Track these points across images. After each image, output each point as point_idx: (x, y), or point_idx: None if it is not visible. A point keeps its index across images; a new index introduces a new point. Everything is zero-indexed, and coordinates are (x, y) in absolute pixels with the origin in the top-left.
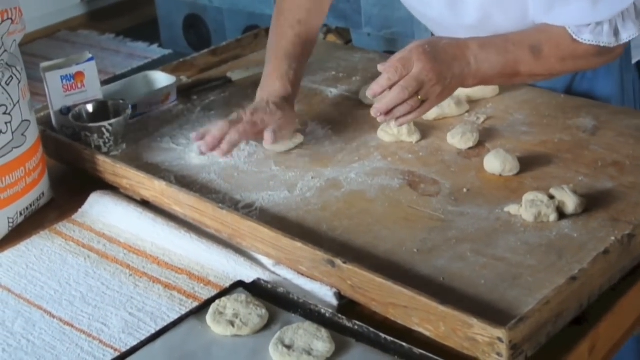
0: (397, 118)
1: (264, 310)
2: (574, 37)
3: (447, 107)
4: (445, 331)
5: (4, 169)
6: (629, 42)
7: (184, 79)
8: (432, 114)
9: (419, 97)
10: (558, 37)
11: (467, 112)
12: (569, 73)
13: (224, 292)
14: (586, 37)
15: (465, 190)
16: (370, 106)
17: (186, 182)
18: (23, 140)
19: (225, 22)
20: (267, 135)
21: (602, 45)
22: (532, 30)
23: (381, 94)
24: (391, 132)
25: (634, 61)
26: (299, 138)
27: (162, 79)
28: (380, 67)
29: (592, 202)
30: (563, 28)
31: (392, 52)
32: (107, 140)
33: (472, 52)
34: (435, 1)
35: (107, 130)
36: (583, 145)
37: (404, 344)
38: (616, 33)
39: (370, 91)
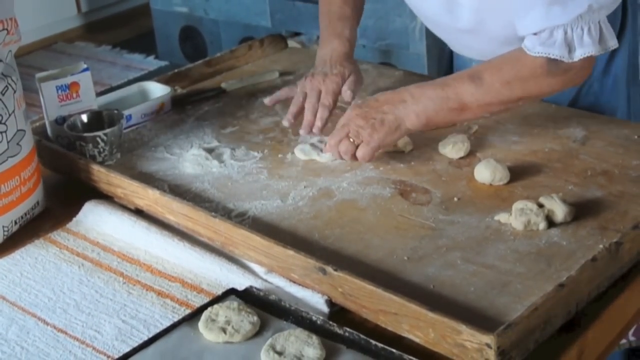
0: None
1: (255, 317)
2: (528, 52)
3: None
4: (434, 337)
5: None
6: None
7: (178, 89)
8: None
9: (351, 139)
10: (500, 61)
11: None
12: (522, 98)
13: (217, 300)
14: (538, 50)
15: (455, 199)
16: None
17: (180, 191)
18: (18, 149)
19: (221, 34)
20: (346, 95)
21: (552, 57)
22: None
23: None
24: None
25: None
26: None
27: (156, 89)
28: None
29: (581, 211)
30: (512, 50)
31: (386, 64)
32: (101, 150)
33: (408, 91)
34: (433, 1)
35: (102, 140)
36: (573, 154)
37: (394, 350)
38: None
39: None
